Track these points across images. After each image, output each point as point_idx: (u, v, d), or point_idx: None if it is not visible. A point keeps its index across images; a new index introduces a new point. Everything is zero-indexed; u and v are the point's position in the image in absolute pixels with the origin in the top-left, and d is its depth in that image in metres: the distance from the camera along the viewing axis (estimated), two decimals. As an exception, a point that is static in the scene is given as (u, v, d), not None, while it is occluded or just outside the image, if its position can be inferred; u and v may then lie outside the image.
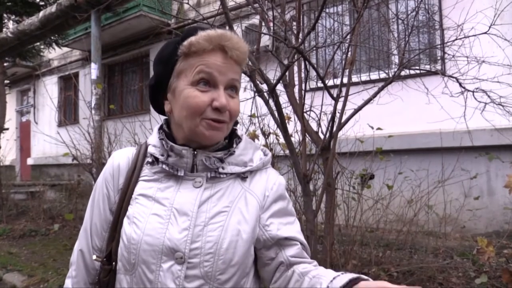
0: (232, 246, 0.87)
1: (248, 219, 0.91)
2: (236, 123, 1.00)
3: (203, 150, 0.92)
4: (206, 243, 0.86)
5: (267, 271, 0.95)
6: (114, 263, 0.95)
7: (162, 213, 0.89)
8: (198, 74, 0.87)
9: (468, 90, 2.83)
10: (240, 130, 1.02)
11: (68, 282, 1.01)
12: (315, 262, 0.95)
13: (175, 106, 0.92)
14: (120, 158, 1.00)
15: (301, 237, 0.97)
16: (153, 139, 0.98)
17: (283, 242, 0.93)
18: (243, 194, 0.94)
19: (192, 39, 0.87)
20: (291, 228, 0.96)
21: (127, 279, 0.90)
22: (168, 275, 0.84)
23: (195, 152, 0.91)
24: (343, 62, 2.71)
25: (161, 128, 1.00)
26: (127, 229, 0.90)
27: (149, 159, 0.96)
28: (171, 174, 0.93)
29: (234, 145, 0.97)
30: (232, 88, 0.91)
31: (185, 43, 0.88)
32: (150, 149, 0.96)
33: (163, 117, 1.04)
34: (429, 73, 3.77)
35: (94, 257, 0.97)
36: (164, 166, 0.92)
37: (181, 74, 0.90)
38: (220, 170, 0.92)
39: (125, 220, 0.92)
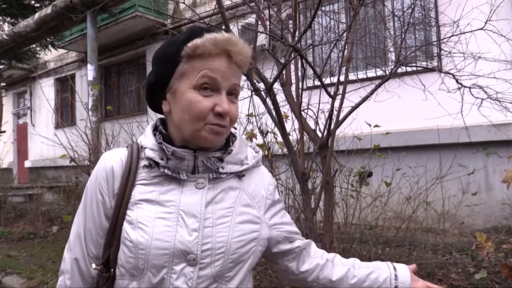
0: (240, 245, 0.89)
1: (250, 218, 0.94)
2: None
3: (203, 151, 0.92)
4: (217, 243, 0.87)
5: (271, 254, 1.05)
6: (112, 269, 0.93)
7: (169, 216, 0.88)
8: (202, 78, 0.86)
9: (465, 86, 2.83)
10: (234, 128, 1.02)
11: None
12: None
13: (175, 108, 0.90)
14: (113, 161, 0.95)
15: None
16: (149, 142, 0.94)
17: (293, 236, 1.06)
18: (242, 194, 0.96)
19: (198, 41, 0.85)
20: (288, 218, 1.08)
21: (133, 285, 0.88)
22: (181, 277, 0.85)
23: (196, 154, 0.91)
24: (340, 60, 2.71)
25: (155, 128, 0.98)
26: (132, 234, 0.88)
27: (146, 163, 0.93)
28: (172, 177, 0.91)
29: (231, 144, 0.97)
30: (233, 94, 0.91)
31: (190, 44, 0.85)
32: (148, 153, 0.92)
33: (159, 116, 1.02)
34: (426, 70, 3.78)
35: (94, 266, 0.94)
36: (165, 170, 0.91)
37: (184, 76, 0.88)
38: (220, 170, 0.93)
39: (127, 226, 0.90)
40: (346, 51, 2.59)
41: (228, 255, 0.87)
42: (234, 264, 0.89)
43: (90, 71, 7.01)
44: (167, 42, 0.94)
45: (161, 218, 0.88)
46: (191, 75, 0.87)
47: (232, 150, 0.96)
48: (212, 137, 0.88)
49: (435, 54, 5.09)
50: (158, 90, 0.95)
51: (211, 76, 0.86)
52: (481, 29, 2.65)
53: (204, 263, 0.86)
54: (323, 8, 5.32)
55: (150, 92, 0.97)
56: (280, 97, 2.57)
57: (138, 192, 0.92)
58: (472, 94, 2.84)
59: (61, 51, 10.97)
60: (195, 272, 0.85)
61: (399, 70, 2.78)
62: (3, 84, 12.48)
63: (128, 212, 0.91)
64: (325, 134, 2.56)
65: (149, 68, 1.03)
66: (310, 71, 3.61)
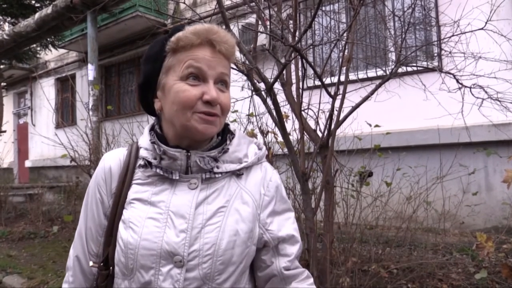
0: (230, 246, 0.86)
1: (245, 218, 0.90)
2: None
3: (197, 151, 0.90)
4: (204, 244, 0.85)
5: (260, 277, 0.96)
6: (111, 268, 0.93)
7: (158, 217, 0.87)
8: (187, 68, 0.87)
9: (465, 86, 2.83)
10: (234, 126, 1.01)
11: (65, 287, 1.00)
12: (306, 272, 0.96)
13: (165, 103, 0.91)
14: (112, 161, 0.98)
15: (298, 236, 0.98)
16: (145, 142, 0.95)
17: (281, 245, 0.94)
18: (239, 193, 0.93)
19: (180, 34, 0.87)
20: (289, 226, 0.97)
21: (125, 284, 0.89)
22: (168, 279, 0.84)
23: (189, 154, 0.90)
24: (340, 60, 2.71)
25: (152, 129, 0.98)
26: (123, 234, 0.88)
27: (142, 162, 0.94)
28: (165, 177, 0.91)
29: (228, 142, 0.96)
30: (222, 83, 0.91)
31: (173, 38, 0.88)
32: (142, 153, 0.94)
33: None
34: (426, 69, 3.78)
35: (91, 263, 0.96)
36: (158, 170, 0.91)
37: (170, 69, 0.89)
38: (215, 169, 0.91)
39: (121, 225, 0.91)
40: (346, 51, 2.59)
41: (216, 256, 0.85)
42: (224, 266, 0.86)
43: (90, 71, 7.00)
44: (152, 43, 0.96)
45: (151, 218, 0.87)
46: (177, 68, 0.88)
47: (228, 148, 0.94)
48: (203, 127, 0.87)
49: (435, 54, 5.09)
50: (148, 90, 0.96)
51: (196, 66, 0.87)
52: (482, 29, 2.65)
53: (191, 265, 0.84)
54: (323, 8, 5.32)
55: (142, 94, 0.99)
56: (281, 97, 2.57)
57: (133, 191, 0.92)
58: (473, 94, 2.84)
59: (62, 51, 10.97)
60: (182, 274, 0.83)
61: (400, 70, 2.78)
62: (3, 84, 12.49)
63: (124, 211, 0.92)
64: (325, 134, 2.56)
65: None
66: (310, 71, 3.61)
